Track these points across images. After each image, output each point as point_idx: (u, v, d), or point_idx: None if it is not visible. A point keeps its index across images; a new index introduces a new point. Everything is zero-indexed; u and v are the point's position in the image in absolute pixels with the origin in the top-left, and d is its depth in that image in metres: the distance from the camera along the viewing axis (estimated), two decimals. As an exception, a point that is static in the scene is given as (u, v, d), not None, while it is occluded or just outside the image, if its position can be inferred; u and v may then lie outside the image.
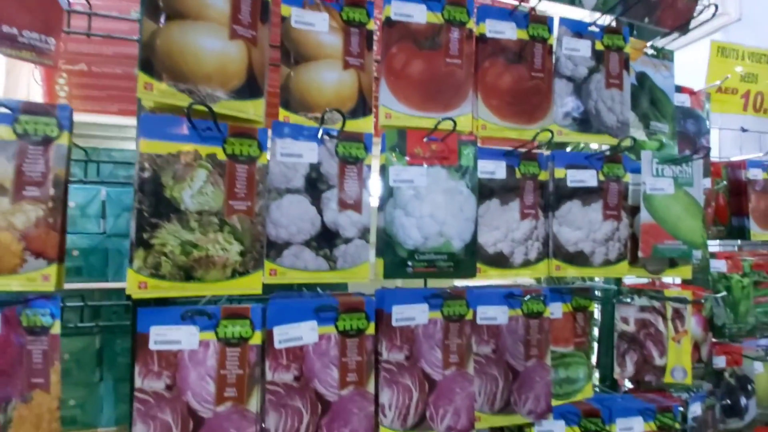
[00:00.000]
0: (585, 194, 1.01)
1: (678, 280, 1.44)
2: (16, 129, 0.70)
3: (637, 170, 1.05)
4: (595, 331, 1.57)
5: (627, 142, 0.96)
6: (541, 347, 0.97)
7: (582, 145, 1.36)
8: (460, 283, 1.08)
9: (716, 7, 1.09)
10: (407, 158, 0.87)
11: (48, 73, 1.16)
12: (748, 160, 1.47)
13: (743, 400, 1.41)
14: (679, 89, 1.29)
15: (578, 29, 1.03)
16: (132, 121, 0.83)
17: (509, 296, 0.95)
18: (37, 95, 1.17)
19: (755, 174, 1.46)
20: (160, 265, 0.71)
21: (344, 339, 0.81)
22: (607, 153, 0.99)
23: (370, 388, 0.82)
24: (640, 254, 1.02)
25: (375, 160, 0.87)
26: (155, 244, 0.71)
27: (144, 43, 0.72)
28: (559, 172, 1.00)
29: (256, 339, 0.76)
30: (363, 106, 0.89)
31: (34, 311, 0.72)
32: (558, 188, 1.00)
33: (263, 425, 0.76)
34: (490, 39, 0.97)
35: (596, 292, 1.21)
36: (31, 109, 0.71)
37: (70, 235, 1.11)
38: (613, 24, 1.09)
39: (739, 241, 1.57)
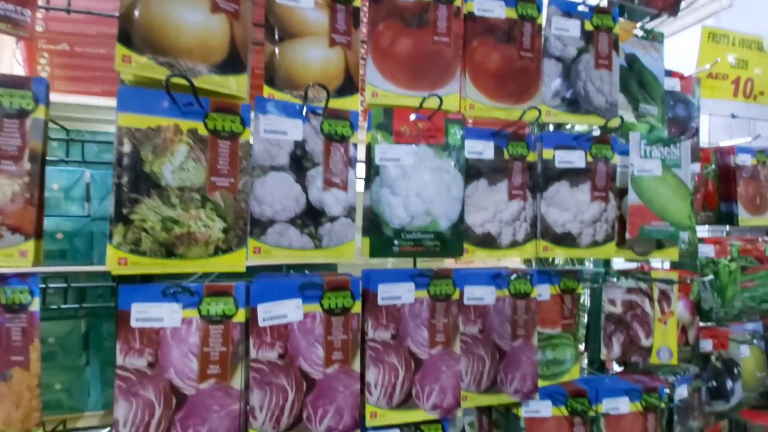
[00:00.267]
0: (573, 175, 1.00)
1: (667, 265, 1.45)
2: (-9, 102, 0.68)
3: (625, 152, 1.05)
4: (585, 318, 1.58)
5: (615, 122, 0.96)
6: (528, 327, 0.97)
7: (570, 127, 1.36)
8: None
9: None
10: (394, 137, 0.86)
11: (29, 53, 1.14)
12: (737, 146, 1.48)
13: (729, 383, 1.43)
14: (670, 74, 1.28)
15: (567, 9, 1.02)
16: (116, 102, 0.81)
17: (496, 276, 0.95)
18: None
19: (744, 160, 1.47)
20: (140, 241, 0.70)
21: (329, 317, 0.80)
22: (596, 134, 0.99)
23: (356, 366, 0.82)
24: (627, 236, 1.02)
25: (361, 141, 0.86)
26: (135, 219, 0.70)
27: (122, 15, 0.70)
28: (548, 153, 0.99)
29: (240, 317, 0.75)
30: (349, 84, 0.88)
31: (13, 289, 0.71)
32: (546, 169, 0.99)
33: (248, 402, 0.76)
34: (478, 17, 0.96)
35: (585, 275, 1.21)
36: (5, 81, 0.69)
37: (54, 218, 1.10)
38: (603, 4, 1.08)
39: (727, 227, 1.58)
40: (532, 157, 1.00)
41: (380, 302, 0.84)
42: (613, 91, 1.04)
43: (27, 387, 0.71)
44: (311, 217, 0.81)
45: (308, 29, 0.86)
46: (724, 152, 1.50)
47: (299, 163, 0.81)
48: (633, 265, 1.33)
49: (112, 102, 1.18)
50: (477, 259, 0.95)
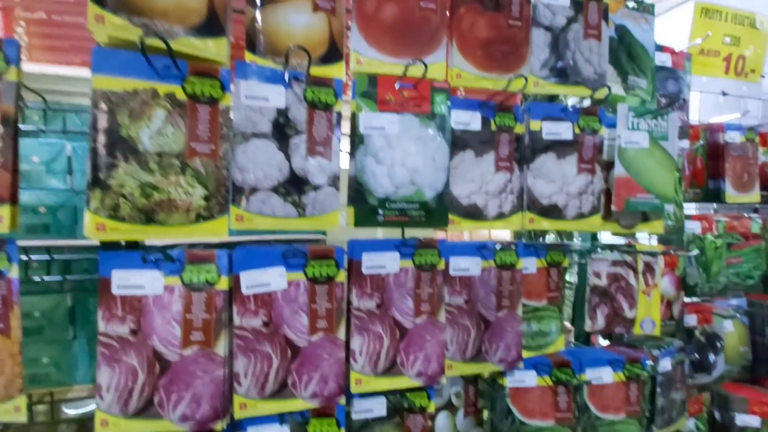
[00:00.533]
0: (560, 147, 1.00)
1: (654, 242, 1.46)
2: (-41, 63, 0.66)
3: (613, 125, 1.05)
4: (573, 295, 1.59)
5: (602, 93, 0.95)
6: (513, 298, 0.98)
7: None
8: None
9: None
10: (378, 105, 0.85)
11: (5, 22, 1.10)
12: (727, 123, 1.48)
13: (712, 357, 1.46)
14: (661, 49, 1.27)
15: (557, -23, 1.00)
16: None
17: (482, 248, 0.95)
18: (-5, 46, 1.11)
19: (733, 137, 1.47)
20: (118, 207, 0.69)
21: (313, 286, 0.80)
22: (583, 105, 0.98)
23: (341, 334, 0.82)
24: (613, 208, 1.03)
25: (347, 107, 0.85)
26: (112, 185, 0.69)
27: (94, -28, 0.67)
28: (535, 125, 0.99)
29: (223, 284, 0.75)
30: (334, 52, 0.86)
31: (-10, 256, 0.70)
32: (533, 141, 0.99)
33: (232, 369, 0.76)
34: (466, -16, 0.94)
35: (571, 249, 1.22)
36: (-26, 42, 0.67)
37: (36, 191, 1.08)
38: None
39: (714, 205, 1.59)
40: (519, 129, 0.99)
41: (365, 271, 0.84)
42: (602, 62, 1.03)
43: (9, 354, 0.71)
44: (294, 186, 0.80)
45: (291, -7, 0.83)
46: (713, 129, 1.50)
47: (282, 130, 0.79)
48: (621, 241, 1.34)
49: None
50: (465, 230, 0.95)
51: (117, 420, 0.71)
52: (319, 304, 0.81)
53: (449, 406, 1.09)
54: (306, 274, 0.80)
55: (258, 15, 0.81)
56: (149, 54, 0.69)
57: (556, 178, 1.00)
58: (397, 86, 0.86)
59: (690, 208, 1.60)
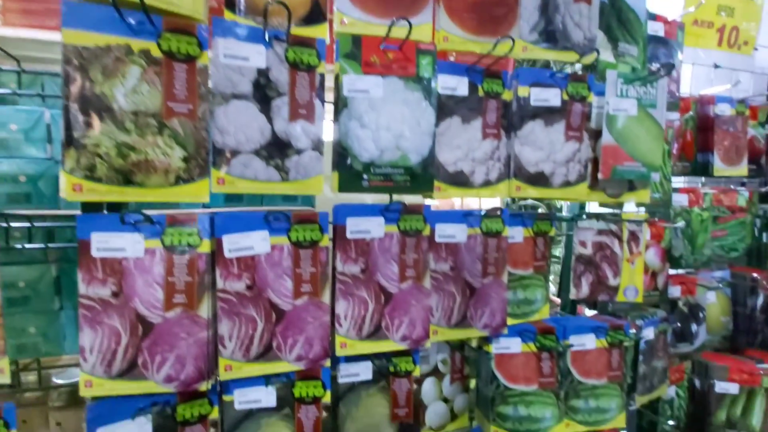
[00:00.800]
0: (548, 114, 0.99)
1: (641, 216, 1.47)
2: None
3: (601, 93, 1.04)
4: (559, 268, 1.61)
5: (592, 57, 0.94)
6: (498, 265, 0.99)
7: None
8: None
9: None
10: (362, 67, 0.83)
11: (-25, -17, 1.06)
12: (717, 95, 1.47)
13: (694, 327, 1.50)
14: (654, 17, 1.25)
15: (548, -64, 0.97)
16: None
17: (468, 215, 0.95)
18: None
19: (723, 109, 1.47)
20: (95, 167, 0.68)
21: (297, 250, 0.80)
22: (571, 70, 0.96)
23: (325, 298, 0.83)
24: (599, 176, 1.03)
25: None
26: (87, 144, 0.67)
27: None
28: (523, 90, 0.97)
29: (205, 247, 0.75)
30: (317, 12, 0.84)
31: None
32: (521, 107, 0.98)
33: (216, 332, 0.77)
34: (453, -58, 0.91)
35: (558, 218, 1.23)
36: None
37: (16, 159, 1.06)
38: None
39: (703, 179, 1.60)
40: (507, 95, 0.98)
41: (349, 236, 0.84)
42: (592, 27, 1.01)
43: (-12, 317, 0.70)
44: (277, 149, 0.79)
45: (271, -50, 0.80)
46: (704, 102, 1.49)
47: (263, 92, 0.78)
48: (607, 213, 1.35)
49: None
50: (451, 197, 0.95)
51: (101, 381, 0.71)
52: (303, 268, 0.81)
53: (436, 373, 1.11)
54: (290, 238, 0.80)
55: (237, -29, 0.78)
56: (122, 8, 0.66)
57: (544, 146, 0.99)
58: (381, 47, 0.84)
59: (678, 182, 1.61)
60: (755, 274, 1.54)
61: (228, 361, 0.77)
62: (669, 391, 1.44)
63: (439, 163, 0.92)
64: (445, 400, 1.12)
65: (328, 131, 0.83)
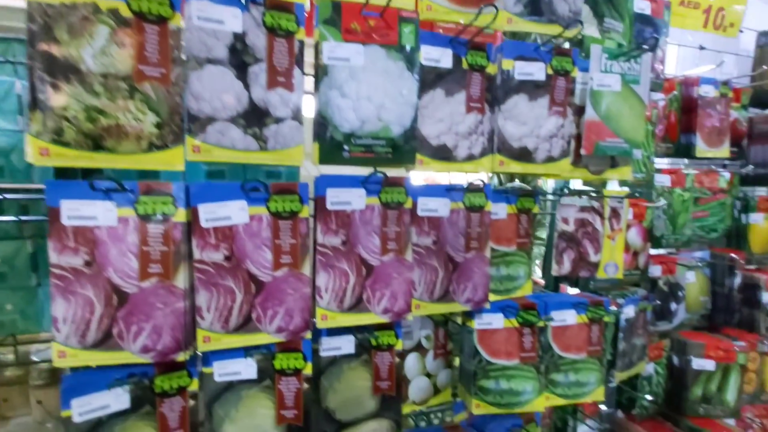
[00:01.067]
0: (532, 88, 0.98)
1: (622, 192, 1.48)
2: None
3: (586, 69, 1.03)
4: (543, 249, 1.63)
5: (575, 31, 0.93)
6: (481, 240, 0.99)
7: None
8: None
9: None
10: (343, 34, 0.81)
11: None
12: (702, 76, 1.48)
13: (673, 306, 1.53)
14: (641, -5, 1.24)
15: None
16: None
17: (451, 189, 0.95)
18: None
19: (707, 91, 1.47)
20: (62, 131, 0.65)
21: (276, 221, 0.79)
22: (555, 41, 0.95)
23: (306, 270, 0.82)
24: (582, 152, 1.03)
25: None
26: (54, 107, 0.65)
27: None
28: (507, 64, 0.96)
29: (180, 216, 0.73)
30: (296, -23, 0.81)
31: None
32: (505, 81, 0.97)
33: (194, 303, 0.76)
34: None
35: (546, 198, 1.23)
36: None
37: (-16, 132, 1.02)
38: None
39: (686, 161, 1.62)
40: (492, 69, 0.97)
41: (329, 207, 0.83)
42: (577, 0, 1.00)
43: (-45, 286, 0.68)
44: (255, 117, 0.77)
45: None
46: (688, 83, 1.50)
47: (239, 57, 0.75)
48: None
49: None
50: (434, 171, 0.94)
51: (75, 351, 0.70)
52: (282, 239, 0.80)
53: (419, 348, 1.12)
54: (269, 209, 0.79)
55: (212, -69, 0.75)
56: (87, -36, 0.63)
57: (528, 120, 0.98)
58: (362, 13, 0.82)
59: (662, 163, 1.63)
60: (733, 255, 1.57)
61: (206, 333, 0.76)
62: (648, 368, 1.48)
63: (422, 136, 0.91)
64: (429, 375, 1.13)
65: (310, 109, 0.82)
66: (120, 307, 0.71)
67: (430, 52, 0.90)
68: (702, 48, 1.55)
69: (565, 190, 1.11)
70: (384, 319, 0.89)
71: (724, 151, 1.51)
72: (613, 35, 1.10)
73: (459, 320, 1.13)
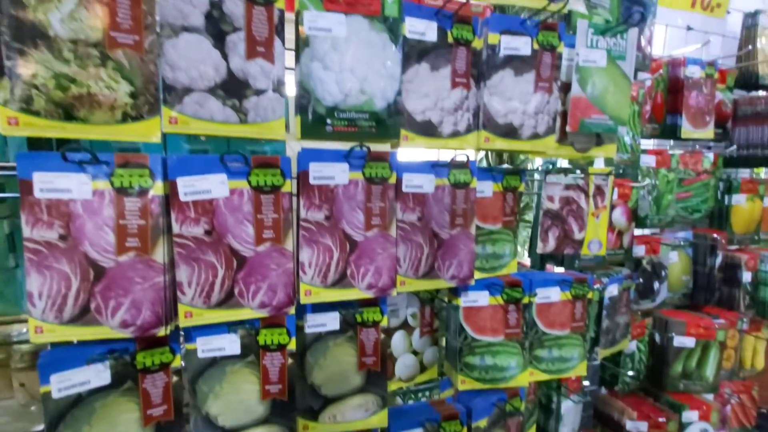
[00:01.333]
0: (518, 63, 0.97)
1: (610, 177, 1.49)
2: None
3: (572, 45, 1.03)
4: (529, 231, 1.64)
5: (561, 4, 0.92)
6: (466, 217, 0.99)
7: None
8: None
9: None
10: (324, 3, 0.79)
11: None
12: (688, 57, 1.48)
13: (656, 285, 1.56)
14: (629, -29, 1.23)
15: None
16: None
17: (436, 165, 0.94)
18: None
19: (693, 72, 1.48)
20: (31, 100, 0.63)
21: (258, 195, 0.78)
22: (542, 14, 0.94)
23: (289, 245, 0.81)
24: (567, 128, 1.03)
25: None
26: (22, 74, 0.62)
27: None
28: (493, 38, 0.95)
29: (158, 189, 0.72)
30: (276, -56, 0.78)
31: None
32: (491, 56, 0.96)
33: (174, 278, 0.75)
34: None
35: (533, 178, 1.24)
36: None
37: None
38: None
39: (671, 142, 1.63)
40: (477, 43, 0.95)
41: (312, 181, 0.82)
42: (564, -27, 0.98)
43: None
44: (234, 88, 0.75)
45: None
46: (675, 64, 1.50)
47: (216, 26, 0.73)
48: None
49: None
50: (419, 147, 0.94)
51: (52, 327, 0.69)
52: (264, 214, 0.79)
53: (405, 327, 1.13)
54: (250, 183, 0.77)
55: None
56: None
57: (513, 96, 0.98)
58: (344, -17, 0.80)
59: (648, 144, 1.64)
60: (716, 235, 1.60)
61: (188, 308, 0.76)
62: (630, 346, 1.51)
63: (406, 112, 0.90)
64: (415, 353, 1.15)
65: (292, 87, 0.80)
66: (97, 281, 0.70)
67: (414, 24, 0.88)
68: (689, 29, 1.55)
69: (551, 166, 1.11)
70: (368, 295, 0.89)
71: (708, 132, 1.53)
72: (600, 11, 1.09)
73: (445, 298, 1.13)
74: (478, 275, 1.07)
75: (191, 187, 0.73)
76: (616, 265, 1.47)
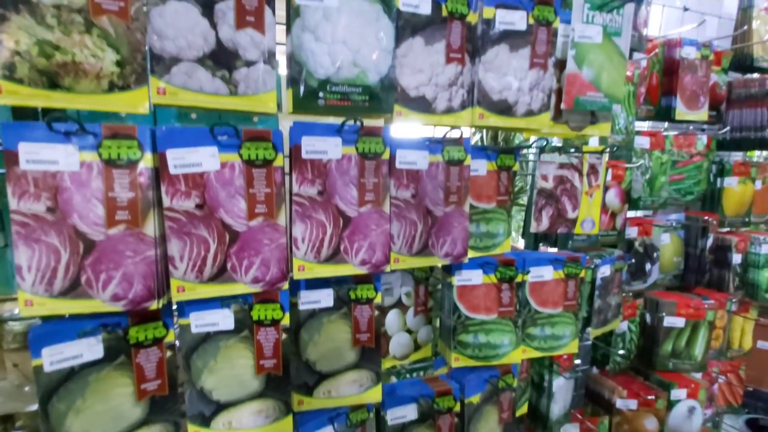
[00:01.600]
0: (513, 38, 0.96)
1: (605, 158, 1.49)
2: None
3: (568, 21, 1.01)
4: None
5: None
6: (460, 194, 0.99)
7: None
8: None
9: None
10: (316, -28, 0.77)
11: None
12: (684, 38, 1.48)
13: (648, 266, 1.57)
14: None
15: None
16: None
17: (430, 141, 0.94)
18: None
19: (688, 53, 1.47)
20: (14, 66, 0.61)
21: (250, 169, 0.77)
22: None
23: (281, 220, 0.81)
24: (562, 106, 1.02)
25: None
26: (4, 39, 0.60)
27: None
28: (488, 12, 0.94)
29: (147, 161, 0.70)
30: None
31: None
32: (486, 30, 0.94)
33: (167, 252, 0.74)
34: None
35: (527, 159, 1.23)
36: None
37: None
38: None
39: (666, 124, 1.63)
40: (472, 17, 0.94)
41: (305, 156, 0.81)
42: (561, -54, 0.97)
43: None
44: (223, 59, 0.73)
45: None
46: (671, 45, 1.49)
47: (205, -7, 0.71)
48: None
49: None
50: (412, 123, 0.93)
51: (42, 300, 0.68)
52: (257, 188, 0.78)
53: (400, 305, 1.13)
54: (241, 156, 0.76)
55: None
56: None
57: (508, 72, 0.97)
58: (336, -48, 0.78)
59: (642, 126, 1.64)
60: (707, 217, 1.62)
61: (180, 282, 0.75)
62: (622, 326, 1.53)
63: (400, 87, 0.89)
64: (409, 332, 1.15)
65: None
66: (87, 254, 0.69)
67: (408, -4, 0.87)
68: (686, 9, 1.54)
69: (546, 141, 1.10)
70: (362, 271, 0.89)
71: (703, 114, 1.53)
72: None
73: (440, 277, 1.14)
74: (471, 254, 1.08)
75: (181, 159, 0.72)
76: (608, 247, 1.48)
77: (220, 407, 0.83)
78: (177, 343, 0.82)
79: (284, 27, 0.78)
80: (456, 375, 1.15)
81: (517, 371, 1.20)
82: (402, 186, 0.93)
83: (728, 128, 1.65)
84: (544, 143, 1.10)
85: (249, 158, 0.77)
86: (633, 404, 1.51)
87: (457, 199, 0.99)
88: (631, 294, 1.58)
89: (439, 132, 0.99)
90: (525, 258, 1.14)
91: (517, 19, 0.95)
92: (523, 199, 1.85)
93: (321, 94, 0.81)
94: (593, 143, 1.32)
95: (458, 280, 1.09)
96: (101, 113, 0.78)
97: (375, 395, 0.98)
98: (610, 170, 1.34)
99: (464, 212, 1.00)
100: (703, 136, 1.57)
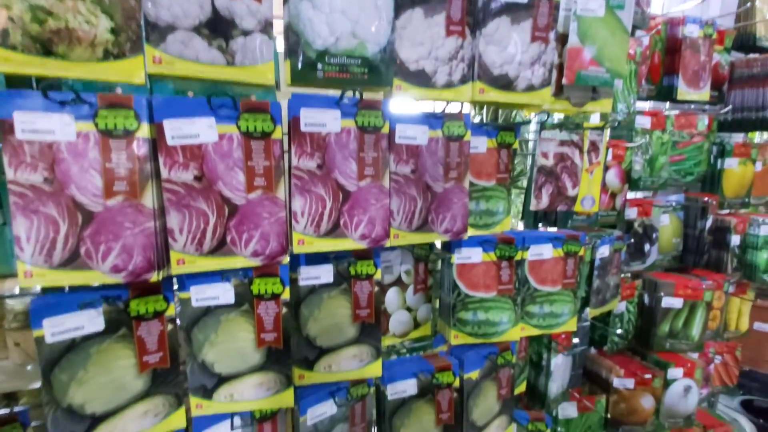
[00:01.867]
0: (515, 11, 0.95)
1: (606, 137, 1.49)
2: None
3: (571, -7, 1.00)
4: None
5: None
6: (460, 170, 0.98)
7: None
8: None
9: None
10: (313, -61, 0.76)
11: None
12: (687, 16, 1.45)
13: (647, 247, 1.58)
14: None
15: None
16: None
17: (430, 116, 0.93)
18: None
19: (691, 31, 1.45)
20: (7, 33, 0.60)
21: (248, 141, 0.76)
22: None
23: (281, 194, 0.80)
24: (564, 81, 1.01)
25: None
26: (-6, 3, 0.59)
27: None
28: (489, -17, 0.92)
29: (144, 131, 0.70)
30: None
31: None
32: (487, 2, 0.93)
33: (166, 225, 0.74)
34: None
35: (528, 139, 1.22)
36: None
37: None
38: None
39: (668, 104, 1.62)
40: (473, -11, 0.92)
41: (303, 128, 0.80)
42: None
43: None
44: (220, 28, 0.72)
45: None
46: (674, 23, 1.47)
47: (200, -40, 0.70)
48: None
49: None
50: (412, 97, 0.92)
51: (42, 271, 0.68)
52: (255, 160, 0.77)
53: (399, 283, 1.14)
54: (239, 128, 0.76)
55: None
56: None
57: (509, 45, 0.96)
58: None
59: (644, 106, 1.63)
60: (707, 198, 1.62)
61: (180, 255, 0.75)
62: (620, 306, 1.54)
63: (400, 60, 0.88)
64: (409, 309, 1.16)
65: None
66: (86, 225, 0.69)
67: (407, -34, 0.85)
68: (689, -14, 1.52)
69: (547, 116, 1.10)
70: (362, 246, 0.89)
71: (704, 93, 1.51)
72: (599, -41, 1.06)
73: (433, 243, 1.13)
74: (471, 232, 1.08)
75: (179, 130, 0.72)
76: (608, 227, 1.49)
77: (222, 380, 0.84)
78: (177, 321, 0.82)
79: (281, -4, 0.77)
80: (455, 352, 1.16)
81: (516, 350, 1.21)
82: (401, 161, 0.92)
83: (730, 108, 1.64)
84: (545, 117, 1.09)
85: (247, 130, 0.76)
86: (630, 383, 1.53)
87: (457, 175, 0.98)
88: (629, 274, 1.58)
89: (437, 108, 0.98)
90: (524, 236, 1.14)
91: (518, -9, 0.93)
92: (523, 183, 1.84)
93: (320, 66, 0.80)
94: (594, 121, 1.31)
95: (458, 257, 1.09)
96: (96, 86, 0.77)
97: (375, 370, 0.99)
98: (610, 150, 1.34)
99: (464, 188, 1.00)
100: (705, 117, 1.56)
